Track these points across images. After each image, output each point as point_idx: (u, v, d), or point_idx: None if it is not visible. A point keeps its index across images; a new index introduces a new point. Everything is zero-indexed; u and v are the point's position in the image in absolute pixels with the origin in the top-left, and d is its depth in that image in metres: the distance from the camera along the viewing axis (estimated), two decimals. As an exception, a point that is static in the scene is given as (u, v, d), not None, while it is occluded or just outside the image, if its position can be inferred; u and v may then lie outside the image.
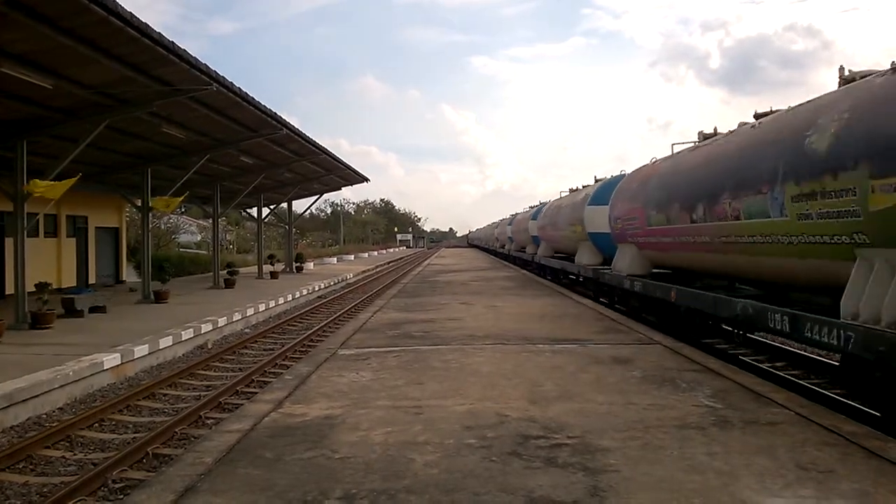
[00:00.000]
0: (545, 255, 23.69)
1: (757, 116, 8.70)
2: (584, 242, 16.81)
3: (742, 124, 9.06)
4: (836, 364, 8.65)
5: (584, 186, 19.64)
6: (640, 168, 13.39)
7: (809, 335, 6.05)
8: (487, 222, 75.66)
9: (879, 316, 5.22)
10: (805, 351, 10.37)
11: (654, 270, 12.10)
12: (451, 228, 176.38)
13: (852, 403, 7.39)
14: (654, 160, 12.73)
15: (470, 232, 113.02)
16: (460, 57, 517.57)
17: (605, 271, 13.83)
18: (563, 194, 22.65)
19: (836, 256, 6.06)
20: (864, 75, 6.44)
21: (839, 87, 6.74)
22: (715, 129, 10.50)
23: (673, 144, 11.97)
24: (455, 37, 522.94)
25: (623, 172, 15.41)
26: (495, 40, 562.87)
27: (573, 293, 15.89)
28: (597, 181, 17.95)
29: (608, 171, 17.99)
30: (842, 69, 6.83)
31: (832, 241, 6.05)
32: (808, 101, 7.17)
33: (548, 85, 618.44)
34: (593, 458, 3.99)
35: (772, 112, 8.39)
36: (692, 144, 10.98)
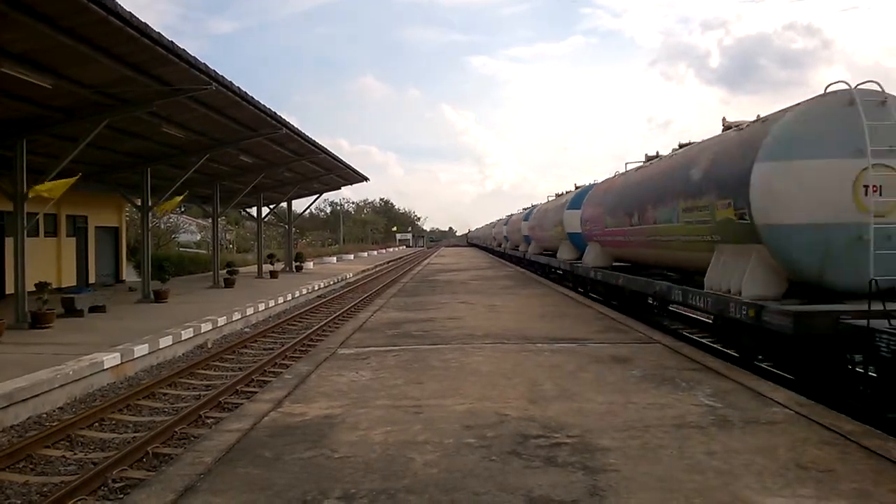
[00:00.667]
0: (534, 252, 26.39)
1: (681, 146, 11.77)
2: (564, 241, 19.67)
3: (675, 149, 12.04)
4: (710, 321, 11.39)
5: (566, 192, 22.67)
6: (604, 180, 16.72)
7: (694, 303, 9.28)
8: (487, 222, 75.88)
9: (728, 287, 8.23)
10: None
11: (615, 263, 14.84)
12: (450, 228, 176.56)
13: (781, 373, 8.36)
14: (616, 173, 15.51)
15: (469, 231, 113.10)
16: (460, 57, 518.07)
17: (578, 264, 16.92)
18: (550, 198, 26.01)
19: (702, 249, 9.21)
20: (737, 125, 9.34)
21: (722, 131, 9.86)
22: (657, 153, 13.47)
23: (626, 163, 14.94)
24: (455, 36, 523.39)
25: (595, 182, 18.51)
26: (495, 40, 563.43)
27: (572, 292, 15.92)
28: (577, 188, 20.98)
29: (608, 171, 19.79)
30: (724, 119, 9.92)
31: (701, 240, 9.22)
32: (699, 142, 10.69)
33: (548, 84, 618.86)
34: (593, 457, 3.99)
35: (688, 144, 11.54)
36: (641, 164, 14.00)
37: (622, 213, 12.94)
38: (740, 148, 8.31)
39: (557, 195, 24.54)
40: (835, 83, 7.46)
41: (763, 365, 8.52)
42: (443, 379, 6.25)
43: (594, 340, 8.39)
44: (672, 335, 9.91)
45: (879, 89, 7.29)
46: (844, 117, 7.18)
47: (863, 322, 6.06)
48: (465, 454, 4.09)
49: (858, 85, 7.34)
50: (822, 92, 7.53)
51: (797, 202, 7.18)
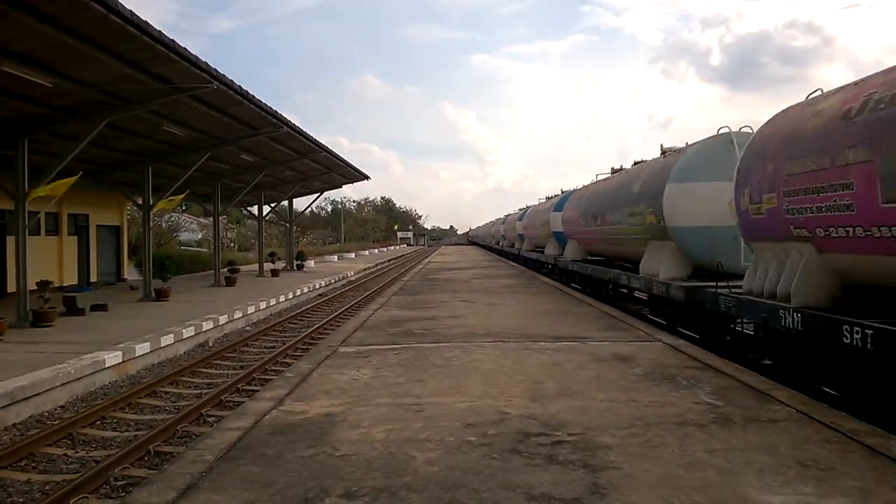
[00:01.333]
0: (528, 249, 29.82)
1: (634, 163, 15.17)
2: (550, 238, 22.97)
3: (637, 162, 15.17)
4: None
5: (555, 195, 25.21)
6: (581, 187, 19.95)
7: (634, 285, 12.79)
8: (488, 220, 76.04)
9: (654, 271, 11.27)
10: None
11: (589, 257, 18.25)
12: (451, 226, 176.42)
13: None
14: (596, 179, 18.49)
15: (470, 230, 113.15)
16: (460, 54, 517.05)
17: (560, 258, 20.49)
18: (542, 201, 29.24)
19: (639, 245, 12.25)
20: (675, 150, 12.35)
21: (660, 155, 13.06)
22: (621, 166, 16.93)
23: (597, 175, 18.22)
24: (454, 34, 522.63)
25: (575, 188, 21.52)
26: (495, 37, 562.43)
27: (573, 291, 15.92)
28: (563, 192, 23.57)
29: (608, 169, 20.20)
30: (662, 146, 13.19)
31: (638, 237, 12.34)
32: (643, 163, 14.34)
33: (548, 82, 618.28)
34: (594, 455, 4.00)
35: (641, 161, 14.81)
36: (608, 175, 17.35)
37: (591, 216, 16.30)
38: (660, 171, 11.53)
39: (548, 198, 27.65)
40: (723, 128, 10.50)
41: (682, 330, 10.52)
42: (444, 377, 6.25)
43: (595, 339, 8.40)
44: (623, 311, 12.31)
45: (751, 131, 9.54)
46: (725, 152, 9.96)
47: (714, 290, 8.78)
48: (466, 452, 4.10)
49: (740, 128, 10.40)
50: (716, 135, 10.67)
51: (693, 211, 10.25)
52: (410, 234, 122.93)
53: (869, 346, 5.39)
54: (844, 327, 5.73)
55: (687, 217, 10.29)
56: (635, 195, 12.27)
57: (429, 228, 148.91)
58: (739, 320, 8.86)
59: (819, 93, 7.10)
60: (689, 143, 11.89)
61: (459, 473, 3.73)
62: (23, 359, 9.86)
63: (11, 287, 16.70)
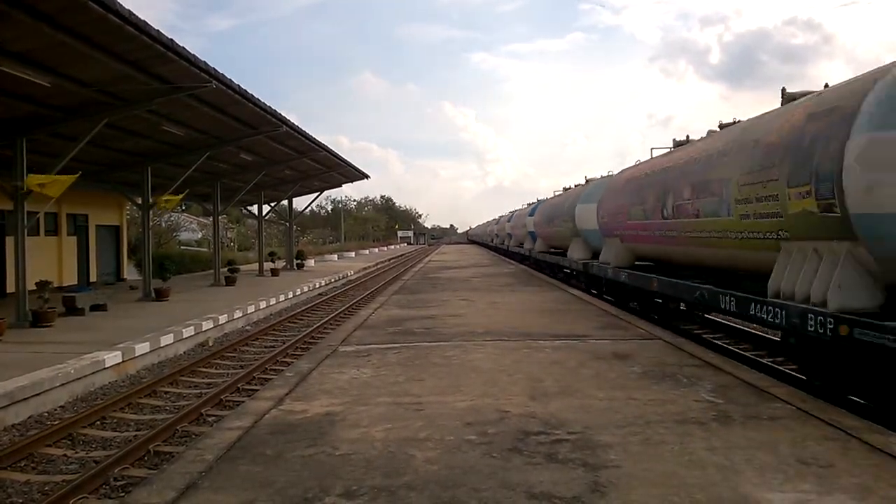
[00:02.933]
0: (541, 250, 24.89)
1: (721, 126, 10.01)
2: (576, 238, 18.06)
3: (710, 131, 10.35)
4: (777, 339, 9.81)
5: (576, 186, 21.15)
6: (624, 169, 14.90)
7: (753, 313, 7.27)
8: (488, 218, 75.91)
9: (801, 294, 6.49)
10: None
11: (637, 262, 13.16)
12: (451, 225, 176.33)
13: (782, 369, 8.24)
14: (637, 162, 14.11)
15: (470, 229, 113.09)
16: (459, 53, 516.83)
17: (593, 263, 15.18)
18: (558, 193, 24.44)
19: (765, 248, 7.48)
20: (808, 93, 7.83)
21: (782, 104, 8.21)
22: (687, 137, 11.78)
23: (652, 148, 13.30)
24: (453, 32, 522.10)
25: (611, 173, 16.99)
26: (494, 36, 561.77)
27: (573, 289, 15.90)
28: (587, 181, 19.42)
29: (608, 168, 19.14)
30: (784, 91, 8.33)
31: (761, 236, 7.57)
32: (758, 117, 8.65)
33: (547, 81, 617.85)
34: (594, 453, 3.99)
35: (731, 123, 9.77)
36: (670, 149, 12.30)
37: (651, 205, 11.20)
38: (824, 120, 6.36)
39: (565, 189, 23.30)
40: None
41: (859, 400, 6.43)
42: (444, 376, 6.25)
43: (595, 337, 8.39)
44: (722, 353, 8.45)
45: None
46: None
47: None
48: (466, 451, 4.09)
49: None
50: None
51: None
52: (411, 234, 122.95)
53: None
54: None
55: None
56: (758, 168, 7.40)
57: (429, 227, 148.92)
58: None
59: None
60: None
61: (459, 472, 3.73)
62: (22, 359, 9.86)
63: (11, 287, 16.69)
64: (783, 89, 8.22)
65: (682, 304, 10.99)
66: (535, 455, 3.99)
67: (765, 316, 6.96)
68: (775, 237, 7.07)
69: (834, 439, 4.17)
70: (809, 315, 6.07)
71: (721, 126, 9.93)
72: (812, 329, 6.00)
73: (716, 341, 11.00)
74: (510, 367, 6.59)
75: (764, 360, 9.88)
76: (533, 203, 30.49)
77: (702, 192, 8.99)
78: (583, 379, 6.01)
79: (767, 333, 10.96)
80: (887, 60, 6.04)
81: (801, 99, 7.52)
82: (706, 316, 12.32)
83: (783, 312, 6.57)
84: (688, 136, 11.80)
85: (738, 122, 9.40)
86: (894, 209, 5.34)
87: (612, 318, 10.25)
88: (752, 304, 7.22)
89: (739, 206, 7.80)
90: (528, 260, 28.46)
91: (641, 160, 14.08)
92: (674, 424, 4.54)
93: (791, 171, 6.67)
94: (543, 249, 24.60)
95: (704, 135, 10.67)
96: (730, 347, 10.70)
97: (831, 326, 5.73)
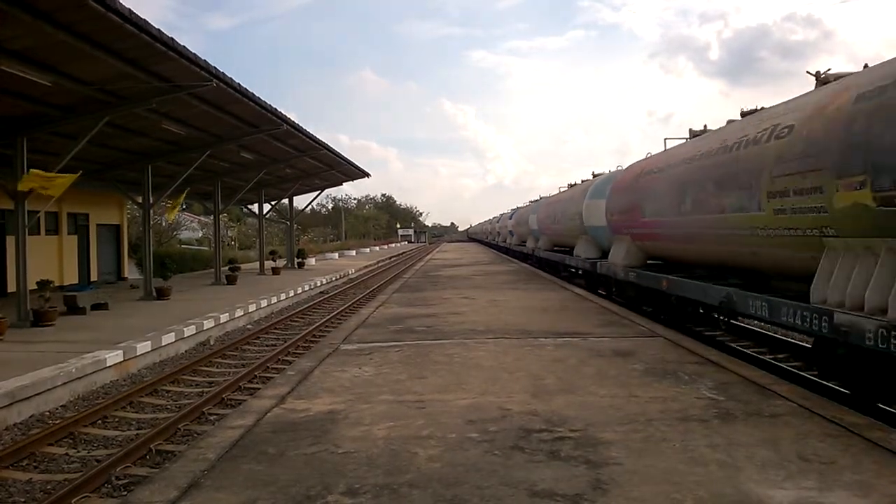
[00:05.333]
0: (545, 248, 24.10)
1: (743, 114, 9.12)
2: (583, 236, 17.20)
3: (730, 121, 9.52)
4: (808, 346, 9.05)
5: (582, 181, 20.13)
6: (636, 163, 13.74)
7: (788, 320, 6.50)
8: (489, 216, 75.83)
9: (849, 300, 5.69)
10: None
11: (650, 262, 12.41)
12: (452, 223, 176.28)
13: (824, 382, 7.67)
14: (648, 155, 13.17)
15: (470, 227, 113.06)
16: (458, 50, 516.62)
17: (602, 263, 14.26)
18: (562, 189, 23.32)
19: (805, 248, 6.60)
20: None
21: (816, 86, 7.46)
22: (705, 127, 10.86)
23: (665, 139, 12.31)
24: (452, 30, 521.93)
25: (620, 167, 15.93)
26: (493, 33, 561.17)
27: (574, 287, 15.89)
28: (595, 176, 18.45)
29: (608, 165, 18.49)
30: (818, 74, 7.52)
31: (802, 235, 6.62)
32: (796, 99, 7.59)
33: (547, 78, 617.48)
34: (596, 451, 3.99)
35: (754, 110, 8.92)
36: (684, 140, 11.41)
37: (666, 201, 10.34)
38: (876, 101, 5.58)
39: (570, 185, 22.35)
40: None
41: None
42: (445, 374, 6.25)
43: (596, 334, 8.39)
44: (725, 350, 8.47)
45: None
46: None
47: None
48: (467, 448, 4.10)
49: None
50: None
51: None
52: (411, 232, 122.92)
53: None
54: None
55: None
56: (797, 157, 6.55)
57: (429, 225, 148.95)
58: None
59: None
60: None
61: (462, 470, 3.73)
62: (24, 358, 9.87)
63: (12, 287, 16.70)
64: (817, 72, 7.48)
65: (701, 307, 9.93)
66: (536, 453, 3.99)
67: (801, 323, 6.20)
68: (818, 234, 6.24)
69: (835, 436, 4.17)
70: (867, 324, 5.29)
71: (743, 114, 9.18)
72: (871, 342, 5.21)
73: (717, 339, 10.99)
74: (512, 364, 6.60)
75: (765, 357, 9.89)
76: (536, 200, 29.88)
77: (727, 186, 8.09)
78: (584, 376, 6.01)
79: (787, 337, 10.66)
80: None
81: (841, 80, 6.82)
82: (733, 322, 11.25)
83: (828, 320, 5.77)
84: (705, 126, 10.96)
85: (763, 108, 8.69)
86: None
87: (612, 316, 10.26)
88: (788, 310, 6.50)
89: (773, 200, 6.92)
90: (531, 258, 27.70)
91: (643, 157, 13.55)
92: (675, 422, 4.54)
93: (839, 159, 5.84)
94: (548, 248, 23.87)
95: (710, 129, 10.29)
96: (731, 345, 10.70)
97: None
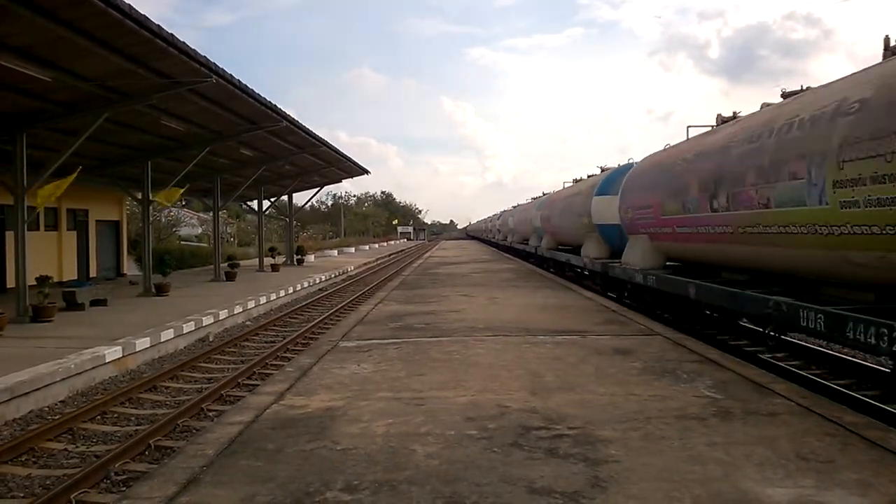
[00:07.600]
0: (549, 247, 23.29)
1: (785, 95, 8.12)
2: (591, 234, 16.33)
3: (765, 104, 8.65)
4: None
5: (589, 176, 19.25)
6: (653, 154, 12.79)
7: (862, 338, 5.41)
8: (488, 214, 75.79)
9: None
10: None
11: (669, 263, 11.55)
12: (451, 220, 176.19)
13: (857, 395, 7.41)
14: (667, 146, 12.25)
15: (469, 224, 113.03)
16: (457, 48, 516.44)
17: (615, 264, 13.26)
18: (567, 184, 22.55)
19: (886, 248, 5.48)
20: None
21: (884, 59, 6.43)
22: (734, 114, 9.96)
23: (689, 127, 11.31)
24: (451, 27, 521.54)
25: (631, 161, 15.01)
26: (492, 31, 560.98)
27: (574, 285, 15.89)
28: (602, 171, 17.60)
29: (608, 163, 17.72)
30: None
31: (881, 233, 5.48)
32: (866, 70, 6.51)
33: (546, 76, 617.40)
34: (594, 448, 4.00)
35: (795, 92, 7.96)
36: (710, 128, 10.46)
37: (694, 196, 9.26)
38: None
39: (576, 181, 21.13)
40: None
41: None
42: (444, 371, 6.26)
43: (595, 332, 8.40)
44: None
45: None
46: None
47: None
48: (466, 446, 4.10)
49: None
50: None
51: None
52: (410, 229, 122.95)
53: None
54: None
55: None
56: (869, 132, 5.55)
57: (428, 223, 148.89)
58: None
59: None
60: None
61: (460, 467, 3.74)
62: (23, 354, 9.87)
63: (11, 282, 16.69)
64: (886, 37, 6.33)
65: (737, 318, 8.77)
66: (535, 450, 3.99)
67: (874, 341, 5.19)
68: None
69: (834, 435, 4.18)
70: None
71: (784, 95, 8.06)
72: None
73: (717, 337, 10.98)
74: (511, 362, 6.60)
75: (764, 356, 9.89)
76: (538, 197, 28.59)
77: (774, 175, 6.97)
78: (583, 374, 6.01)
79: (854, 356, 9.25)
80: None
81: None
82: (783, 337, 9.04)
83: None
84: (734, 113, 9.91)
85: (808, 88, 7.66)
86: None
87: (612, 314, 10.26)
88: (854, 325, 5.48)
89: (841, 190, 5.77)
90: (534, 257, 26.73)
91: (642, 157, 13.00)
92: (674, 420, 4.55)
93: None
94: (551, 246, 22.88)
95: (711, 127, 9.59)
96: (730, 343, 10.69)
97: None
